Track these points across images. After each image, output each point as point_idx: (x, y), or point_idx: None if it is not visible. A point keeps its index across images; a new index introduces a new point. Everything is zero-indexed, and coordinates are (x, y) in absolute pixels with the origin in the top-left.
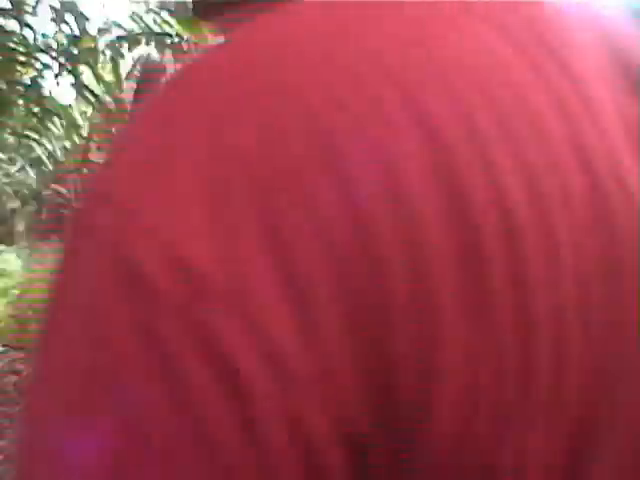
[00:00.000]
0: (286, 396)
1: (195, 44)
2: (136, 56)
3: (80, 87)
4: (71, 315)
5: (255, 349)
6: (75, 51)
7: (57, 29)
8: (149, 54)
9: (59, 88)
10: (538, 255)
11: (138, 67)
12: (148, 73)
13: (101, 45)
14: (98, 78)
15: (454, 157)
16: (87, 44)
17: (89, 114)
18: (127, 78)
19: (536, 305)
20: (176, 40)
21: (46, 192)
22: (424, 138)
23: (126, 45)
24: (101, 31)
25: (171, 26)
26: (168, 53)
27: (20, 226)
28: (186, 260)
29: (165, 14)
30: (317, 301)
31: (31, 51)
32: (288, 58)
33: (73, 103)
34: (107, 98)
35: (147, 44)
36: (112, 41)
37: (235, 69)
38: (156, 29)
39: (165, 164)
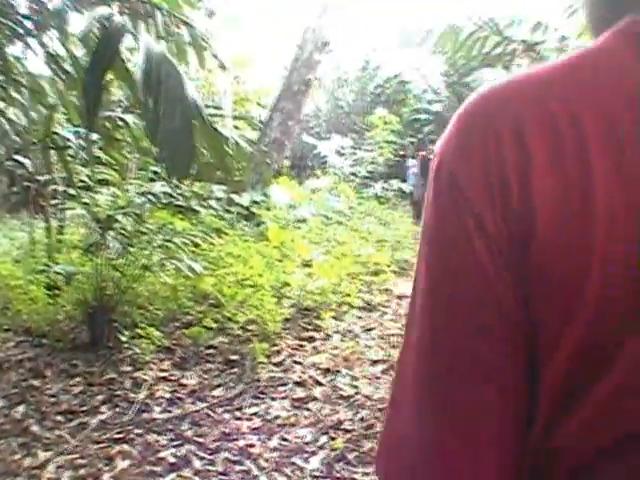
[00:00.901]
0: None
1: (170, 14)
2: (97, 16)
3: (49, 56)
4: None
5: (490, 211)
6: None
7: None
8: (110, 14)
9: (36, 57)
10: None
11: (98, 28)
12: (109, 36)
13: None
14: (65, 46)
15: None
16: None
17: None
18: (83, 39)
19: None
20: (149, 9)
21: (8, 163)
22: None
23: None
24: None
25: None
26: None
27: None
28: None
29: None
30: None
31: None
32: (548, 84)
33: (46, 73)
34: (73, 68)
35: (122, 14)
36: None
37: (520, 87)
38: None
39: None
